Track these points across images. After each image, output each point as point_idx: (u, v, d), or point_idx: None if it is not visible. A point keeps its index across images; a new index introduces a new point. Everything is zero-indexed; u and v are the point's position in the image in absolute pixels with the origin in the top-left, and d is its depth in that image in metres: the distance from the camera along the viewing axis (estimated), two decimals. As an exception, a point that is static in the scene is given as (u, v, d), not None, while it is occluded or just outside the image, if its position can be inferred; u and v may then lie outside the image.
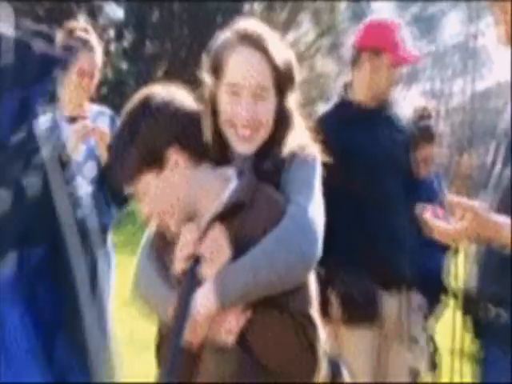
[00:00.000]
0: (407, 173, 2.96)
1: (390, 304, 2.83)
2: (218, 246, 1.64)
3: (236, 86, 1.75)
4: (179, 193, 1.73)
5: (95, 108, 3.63)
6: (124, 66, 26.65)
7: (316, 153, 1.81)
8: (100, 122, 3.48)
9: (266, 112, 1.77)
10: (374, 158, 2.88)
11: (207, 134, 1.75)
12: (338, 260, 2.65)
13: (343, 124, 2.87)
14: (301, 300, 1.67)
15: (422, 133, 3.78)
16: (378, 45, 2.86)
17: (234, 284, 1.61)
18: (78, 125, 3.26)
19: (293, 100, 1.85)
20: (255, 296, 1.63)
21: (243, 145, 1.76)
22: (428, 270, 3.12)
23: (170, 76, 28.05)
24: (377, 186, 2.85)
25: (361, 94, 2.95)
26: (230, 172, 1.77)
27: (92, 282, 3.38)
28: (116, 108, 3.65)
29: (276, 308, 1.64)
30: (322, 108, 3.11)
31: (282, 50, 1.80)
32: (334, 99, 3.09)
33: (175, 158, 1.71)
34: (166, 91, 1.79)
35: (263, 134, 1.78)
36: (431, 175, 4.03)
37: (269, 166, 1.74)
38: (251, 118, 1.74)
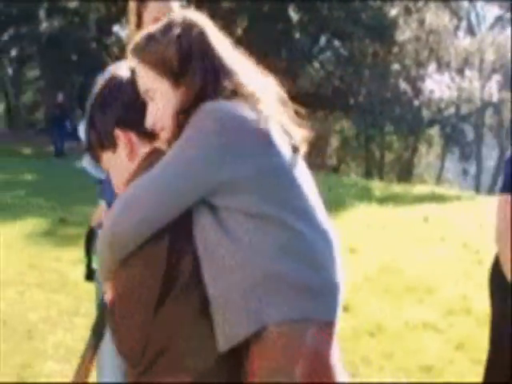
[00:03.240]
0: None
1: None
2: None
3: None
4: (127, 169, 2.10)
5: None
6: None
7: (208, 115, 1.94)
8: None
9: (157, 109, 2.04)
10: None
11: None
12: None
13: None
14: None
15: None
16: None
17: None
18: None
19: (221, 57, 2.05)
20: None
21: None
22: None
23: (250, 34, 28.12)
24: None
25: None
26: None
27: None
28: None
29: None
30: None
31: (164, 39, 2.05)
32: None
33: (124, 136, 2.09)
34: (125, 71, 2.16)
35: (167, 127, 2.03)
36: None
37: None
38: (150, 126, 2.06)
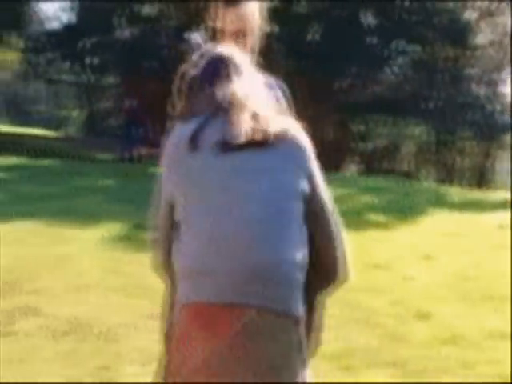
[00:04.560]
0: None
1: None
2: None
3: None
4: None
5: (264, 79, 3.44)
6: (274, 28, 26.84)
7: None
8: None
9: None
10: None
11: None
12: None
13: None
14: None
15: None
16: None
17: None
18: None
19: None
20: None
21: None
22: None
23: (324, 39, 28.05)
24: None
25: None
26: None
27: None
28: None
29: None
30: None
31: None
32: None
33: None
34: None
35: None
36: None
37: None
38: None
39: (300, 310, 2.15)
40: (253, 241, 2.10)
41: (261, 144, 2.20)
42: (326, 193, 2.33)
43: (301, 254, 2.16)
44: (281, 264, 2.11)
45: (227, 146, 2.19)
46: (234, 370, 2.04)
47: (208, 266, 2.12)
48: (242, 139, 2.19)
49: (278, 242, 2.12)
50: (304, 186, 2.24)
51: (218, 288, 2.09)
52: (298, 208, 2.20)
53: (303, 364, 2.16)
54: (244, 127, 2.21)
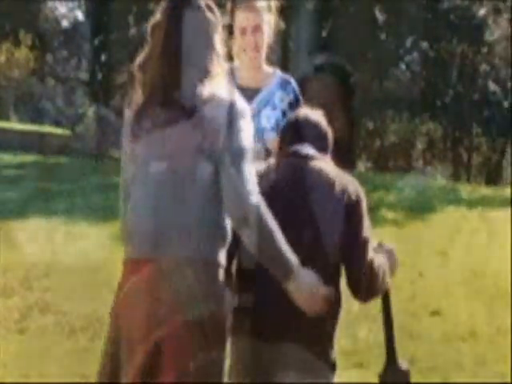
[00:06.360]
0: None
1: None
2: None
3: None
4: None
5: (279, 75, 3.49)
6: (285, 25, 26.65)
7: None
8: (280, 94, 3.43)
9: None
10: None
11: None
12: None
13: None
14: None
15: None
16: None
17: None
18: None
19: None
20: None
21: None
22: None
23: (336, 35, 27.98)
24: None
25: None
26: None
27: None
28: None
29: None
30: None
31: None
32: None
33: None
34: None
35: None
36: None
37: None
38: None
39: (201, 253, 2.50)
40: (156, 202, 2.53)
41: (181, 116, 2.49)
42: (244, 149, 2.49)
43: (197, 210, 2.49)
44: (176, 221, 2.48)
45: (150, 124, 2.54)
46: (142, 304, 2.52)
47: (131, 228, 2.65)
48: (157, 118, 2.52)
49: (176, 202, 2.49)
50: (212, 146, 2.46)
51: (137, 245, 2.62)
52: (202, 167, 2.48)
53: (204, 296, 2.48)
54: (162, 105, 2.54)
